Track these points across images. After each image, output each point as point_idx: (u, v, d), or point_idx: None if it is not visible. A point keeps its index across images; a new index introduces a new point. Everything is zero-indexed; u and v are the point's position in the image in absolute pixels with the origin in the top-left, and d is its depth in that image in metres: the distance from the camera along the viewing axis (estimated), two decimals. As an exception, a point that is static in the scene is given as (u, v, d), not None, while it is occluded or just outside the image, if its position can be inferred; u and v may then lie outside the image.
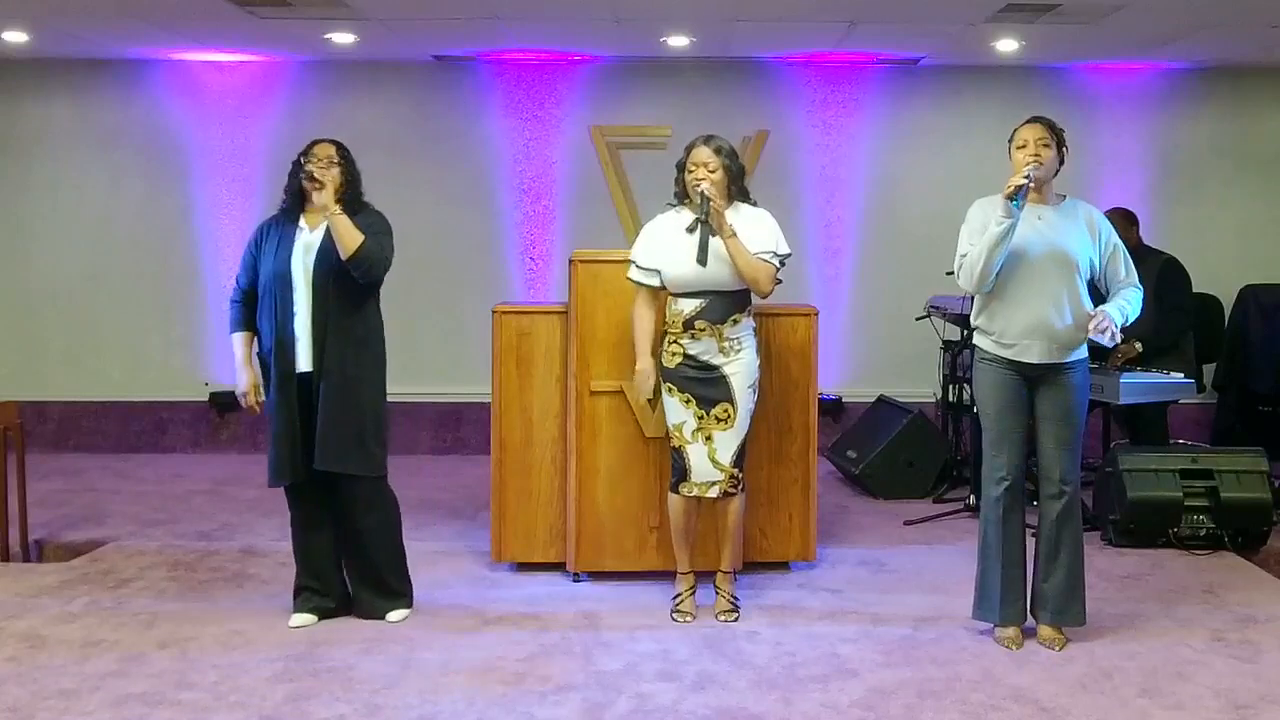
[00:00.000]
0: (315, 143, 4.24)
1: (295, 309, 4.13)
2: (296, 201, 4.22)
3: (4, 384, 7.27)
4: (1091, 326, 3.91)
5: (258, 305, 4.23)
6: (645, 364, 4.35)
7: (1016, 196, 3.86)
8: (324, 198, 4.06)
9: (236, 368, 4.27)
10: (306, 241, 4.16)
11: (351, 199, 4.18)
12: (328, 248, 4.11)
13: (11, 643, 4.05)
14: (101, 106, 7.55)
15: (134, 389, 7.63)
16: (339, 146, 4.24)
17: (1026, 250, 3.96)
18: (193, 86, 7.54)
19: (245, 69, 7.54)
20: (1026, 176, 3.88)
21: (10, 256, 7.61)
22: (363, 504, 4.23)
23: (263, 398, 4.24)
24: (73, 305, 7.61)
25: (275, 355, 4.15)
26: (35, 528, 5.45)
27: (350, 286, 4.12)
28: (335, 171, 4.15)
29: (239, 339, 4.29)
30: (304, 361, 4.13)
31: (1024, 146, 3.98)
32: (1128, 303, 4.02)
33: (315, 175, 4.08)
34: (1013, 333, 4.00)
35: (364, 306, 4.20)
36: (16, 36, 6.71)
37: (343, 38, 6.70)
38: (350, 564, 4.32)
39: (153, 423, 7.64)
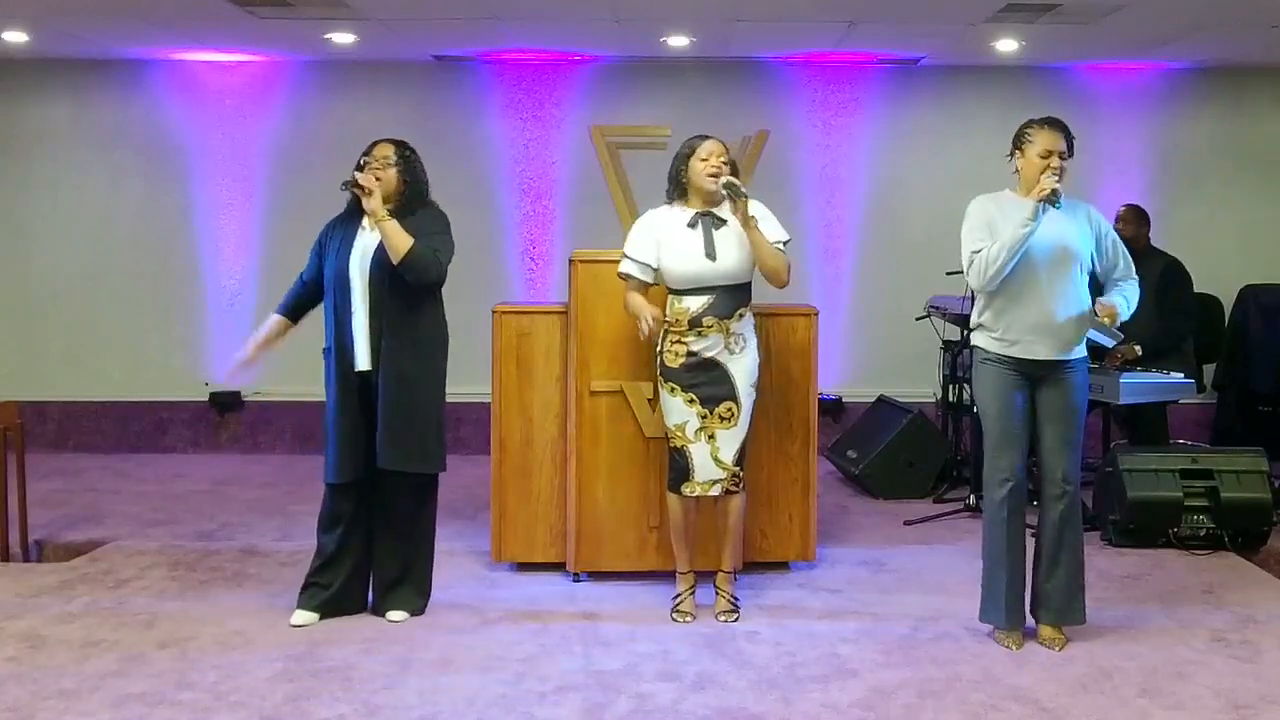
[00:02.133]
0: (376, 143, 4.26)
1: (353, 309, 4.17)
2: (357, 200, 4.24)
3: (4, 384, 7.27)
4: (1099, 311, 3.96)
5: (321, 300, 4.30)
6: (651, 312, 4.21)
7: (1057, 202, 3.88)
8: (372, 204, 4.09)
9: (252, 338, 4.32)
10: (365, 243, 4.19)
11: (411, 198, 4.21)
12: (383, 250, 4.13)
13: (11, 643, 4.05)
14: (101, 106, 7.55)
15: (134, 389, 7.62)
16: (400, 147, 4.25)
17: (1030, 248, 3.96)
18: (193, 86, 7.54)
19: (245, 69, 7.54)
20: (1056, 183, 3.89)
21: (10, 256, 7.61)
22: (413, 500, 4.28)
23: (248, 380, 4.26)
24: (73, 305, 7.61)
25: (335, 354, 4.19)
26: (35, 528, 5.45)
27: (406, 287, 4.15)
28: (391, 174, 4.18)
29: (273, 318, 4.35)
30: (362, 361, 4.17)
31: (1047, 158, 3.96)
32: (1128, 296, 4.09)
33: (362, 183, 4.10)
34: (1017, 329, 4.00)
35: (422, 307, 4.22)
36: (16, 36, 6.72)
37: (343, 38, 6.70)
38: (384, 557, 4.32)
39: (153, 423, 7.64)
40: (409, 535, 4.31)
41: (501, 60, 7.43)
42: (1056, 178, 3.91)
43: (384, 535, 4.31)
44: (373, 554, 4.34)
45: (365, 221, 4.22)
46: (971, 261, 4.02)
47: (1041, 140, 3.99)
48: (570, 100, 7.52)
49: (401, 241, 4.07)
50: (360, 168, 4.19)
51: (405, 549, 4.32)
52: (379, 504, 4.29)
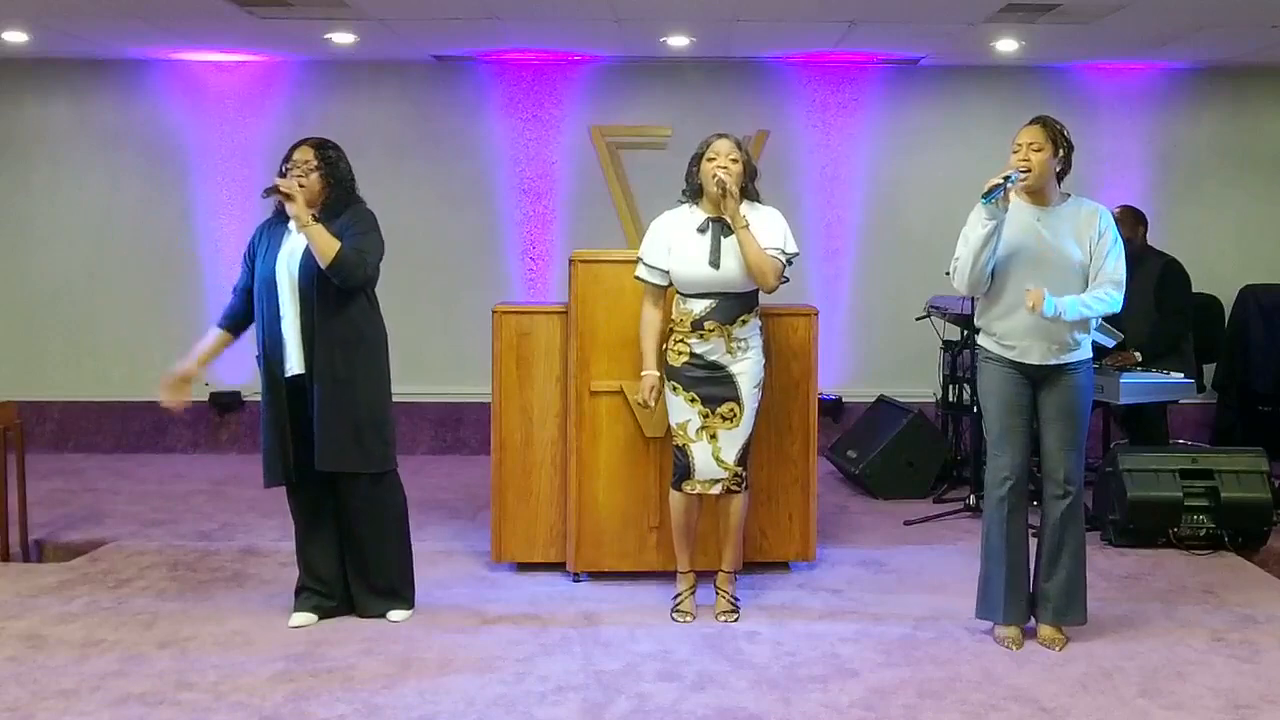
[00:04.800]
0: (295, 146, 4.19)
1: (282, 313, 4.13)
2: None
3: (4, 384, 7.27)
4: (1027, 294, 3.84)
5: (254, 307, 4.24)
6: (651, 373, 4.33)
7: (988, 195, 3.83)
8: (295, 209, 4.02)
9: (193, 351, 4.27)
10: (292, 246, 4.15)
11: (337, 199, 4.16)
12: (310, 253, 4.08)
13: (11, 643, 4.05)
14: (101, 106, 7.55)
15: (134, 389, 7.61)
16: (320, 147, 4.18)
17: (1026, 253, 3.95)
18: (193, 86, 7.54)
19: (245, 69, 7.54)
20: (1007, 177, 3.86)
21: (10, 256, 7.62)
22: (364, 502, 4.23)
23: (187, 396, 4.25)
24: (73, 305, 7.61)
25: (265, 359, 4.17)
26: (35, 528, 5.45)
27: (336, 289, 4.09)
28: (314, 179, 4.12)
29: (214, 332, 4.31)
30: (294, 365, 4.14)
31: (1017, 151, 3.97)
32: (1093, 299, 3.92)
33: (282, 189, 4.04)
34: (1014, 335, 4.00)
35: (351, 307, 4.15)
36: (16, 36, 6.71)
37: (343, 38, 6.70)
38: (351, 562, 4.32)
39: (153, 423, 7.63)
40: (369, 535, 4.26)
41: (501, 60, 7.43)
42: (1024, 171, 3.89)
43: (349, 540, 4.29)
44: (346, 558, 4.32)
45: (292, 224, 4.15)
46: (954, 268, 4.03)
47: (1016, 137, 4.01)
48: (570, 100, 7.52)
49: (327, 246, 4.00)
50: (283, 173, 4.14)
51: (366, 549, 4.28)
52: (340, 506, 4.26)
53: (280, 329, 4.14)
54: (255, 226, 4.35)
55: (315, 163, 4.14)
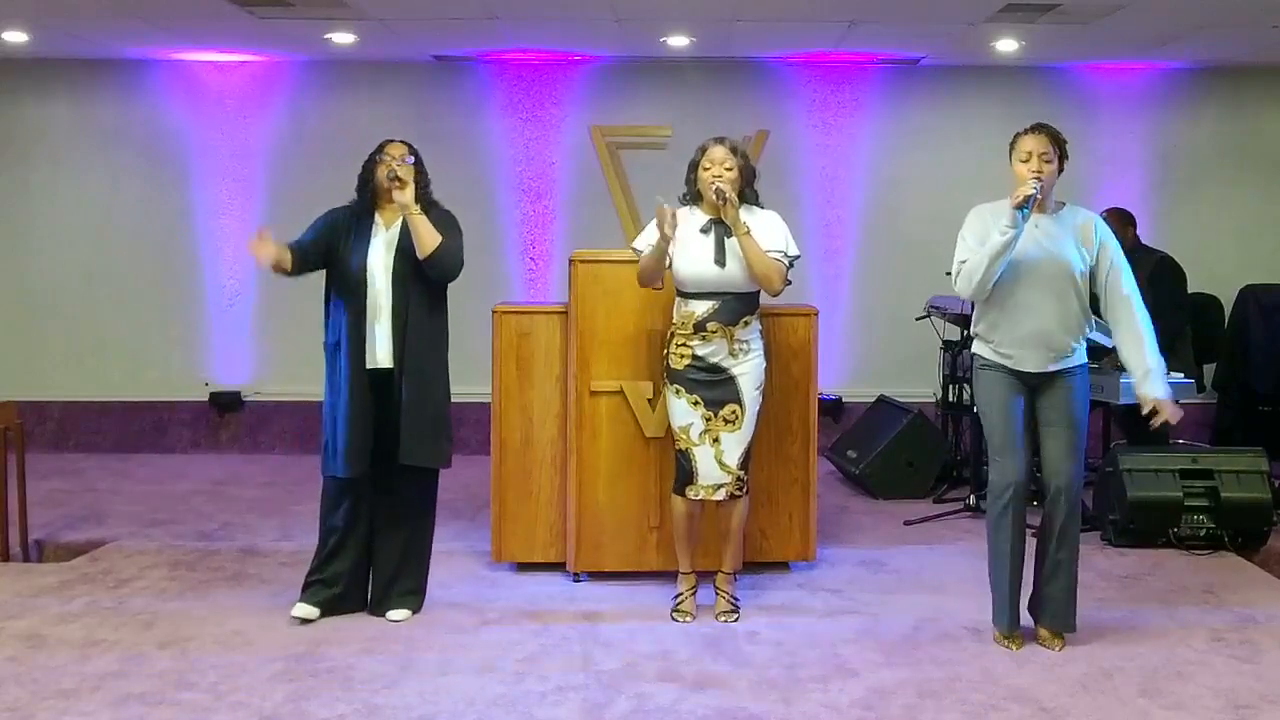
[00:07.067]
0: (387, 142, 4.26)
1: (376, 305, 4.17)
2: (369, 198, 4.24)
3: (4, 384, 7.27)
4: (1148, 412, 3.93)
5: (327, 291, 4.27)
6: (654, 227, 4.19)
7: (1025, 206, 3.84)
8: (405, 196, 4.11)
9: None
10: (386, 239, 4.21)
11: (421, 198, 4.22)
12: (407, 245, 4.16)
13: (11, 643, 4.05)
14: (101, 106, 7.55)
15: (134, 389, 7.63)
16: (410, 147, 4.27)
17: (1024, 260, 3.94)
18: (193, 86, 7.54)
19: (245, 69, 7.54)
20: (1034, 188, 3.86)
21: (10, 256, 7.62)
22: (419, 495, 4.32)
23: (269, 245, 4.06)
24: (73, 305, 7.61)
25: (351, 349, 4.18)
26: (35, 528, 5.45)
27: (428, 284, 4.20)
28: (410, 171, 4.19)
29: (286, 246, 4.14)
30: (383, 357, 4.18)
31: (1027, 160, 3.95)
32: (1148, 335, 3.95)
33: (401, 175, 4.11)
34: (1011, 342, 3.99)
35: (439, 303, 4.29)
36: (16, 36, 6.72)
37: (343, 38, 6.71)
38: (384, 559, 4.33)
39: (153, 423, 7.64)
40: (412, 529, 4.34)
41: (501, 60, 7.43)
42: (1037, 180, 3.88)
43: (387, 529, 4.33)
44: (374, 548, 4.35)
45: (378, 218, 4.23)
46: (959, 271, 4.02)
47: (1022, 145, 3.98)
48: (570, 100, 7.52)
49: (431, 237, 4.12)
50: (377, 163, 4.20)
51: (407, 543, 4.34)
52: (382, 498, 4.30)
53: (372, 321, 4.18)
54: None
55: (410, 159, 4.22)
